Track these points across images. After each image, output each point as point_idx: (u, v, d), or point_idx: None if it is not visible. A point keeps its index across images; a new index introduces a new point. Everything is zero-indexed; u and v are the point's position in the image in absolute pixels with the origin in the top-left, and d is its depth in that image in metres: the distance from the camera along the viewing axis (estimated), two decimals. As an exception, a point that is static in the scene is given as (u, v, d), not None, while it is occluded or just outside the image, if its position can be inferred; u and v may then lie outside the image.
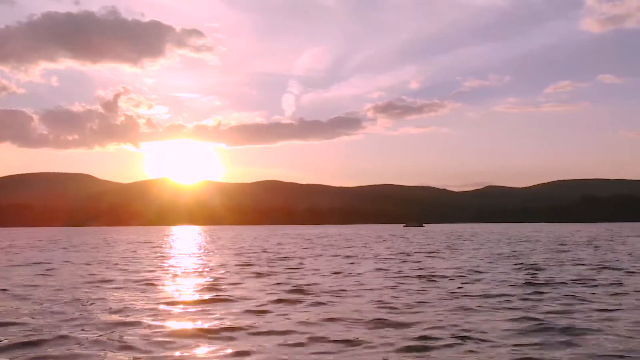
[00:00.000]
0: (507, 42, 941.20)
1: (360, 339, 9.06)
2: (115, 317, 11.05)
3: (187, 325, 10.30)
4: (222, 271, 21.50)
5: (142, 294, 14.56)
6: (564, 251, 33.88)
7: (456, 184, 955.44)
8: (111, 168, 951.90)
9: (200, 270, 22.24)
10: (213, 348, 8.51)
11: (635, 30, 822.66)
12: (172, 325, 10.31)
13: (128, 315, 11.23)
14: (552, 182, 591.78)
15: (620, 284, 16.04)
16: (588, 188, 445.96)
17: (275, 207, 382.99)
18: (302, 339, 9.13)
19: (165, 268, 23.37)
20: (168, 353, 8.22)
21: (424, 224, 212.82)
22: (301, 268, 22.83)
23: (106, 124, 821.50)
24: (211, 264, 25.35)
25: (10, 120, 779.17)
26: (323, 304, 12.84)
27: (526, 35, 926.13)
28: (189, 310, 12.05)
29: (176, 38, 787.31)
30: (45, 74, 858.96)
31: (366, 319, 10.71)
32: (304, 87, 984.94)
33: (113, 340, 8.98)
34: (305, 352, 8.31)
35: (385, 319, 10.68)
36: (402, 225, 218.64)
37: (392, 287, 15.77)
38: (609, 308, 11.85)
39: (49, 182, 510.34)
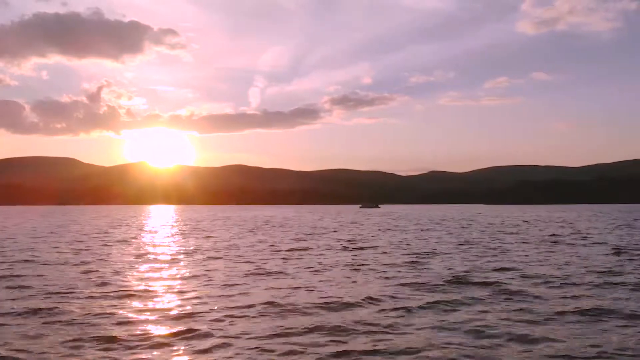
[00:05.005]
0: (451, 42, 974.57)
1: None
2: None
3: None
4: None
5: None
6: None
7: (403, 169, 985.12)
8: (95, 153, 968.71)
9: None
10: None
11: (566, 32, 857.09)
12: None
13: None
14: (490, 167, 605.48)
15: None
16: (522, 174, 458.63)
17: (241, 189, 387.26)
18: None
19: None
20: None
21: (379, 205, 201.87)
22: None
23: (90, 113, 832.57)
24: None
25: (4, 110, 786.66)
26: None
27: (468, 36, 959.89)
28: None
29: (154, 36, 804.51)
30: (36, 68, 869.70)
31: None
32: (268, 81, 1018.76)
33: None
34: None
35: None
36: (358, 206, 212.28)
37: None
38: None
39: (38, 165, 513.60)
